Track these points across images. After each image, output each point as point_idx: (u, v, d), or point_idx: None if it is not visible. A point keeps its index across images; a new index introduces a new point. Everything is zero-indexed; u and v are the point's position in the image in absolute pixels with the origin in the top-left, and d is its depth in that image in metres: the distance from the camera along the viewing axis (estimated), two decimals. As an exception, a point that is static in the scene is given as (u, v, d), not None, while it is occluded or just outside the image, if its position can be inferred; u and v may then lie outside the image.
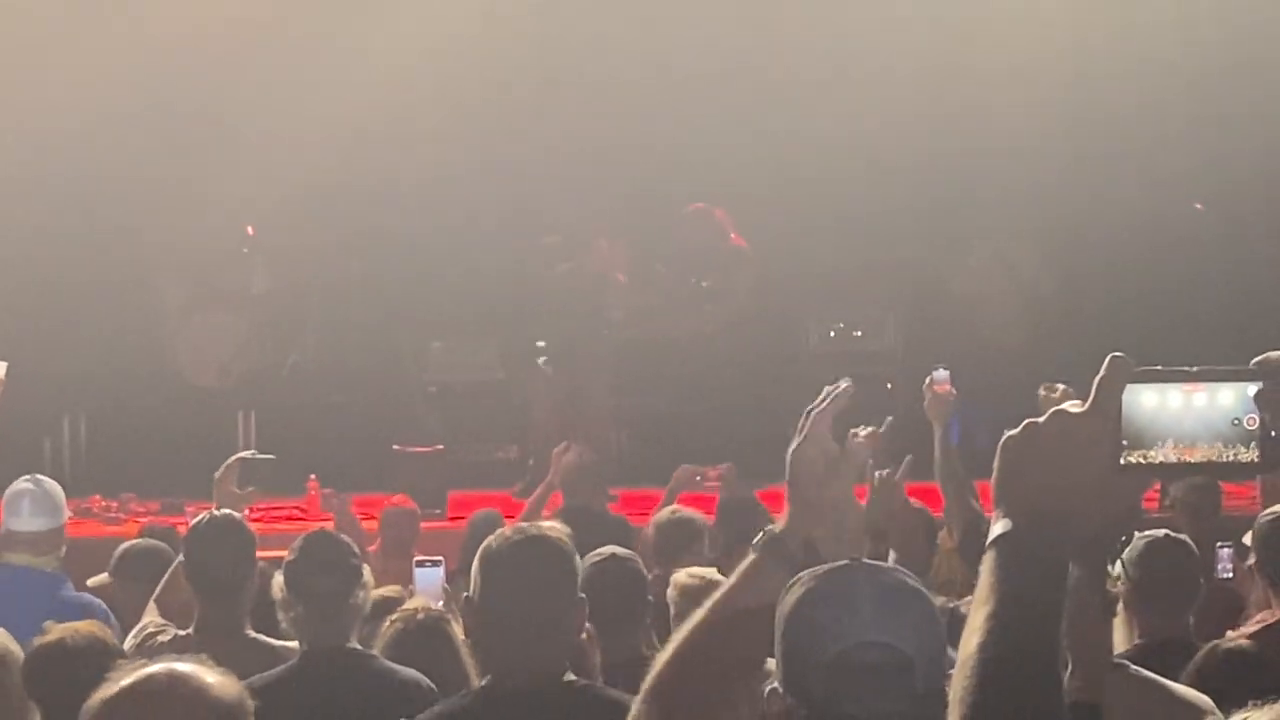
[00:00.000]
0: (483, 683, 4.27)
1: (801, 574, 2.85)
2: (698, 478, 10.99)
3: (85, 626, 5.35)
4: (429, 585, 6.33)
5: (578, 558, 4.46)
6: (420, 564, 6.47)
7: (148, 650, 5.79)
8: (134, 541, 8.09)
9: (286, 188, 14.85)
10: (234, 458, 7.06)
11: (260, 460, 7.14)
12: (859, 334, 15.50)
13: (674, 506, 8.73)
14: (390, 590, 6.56)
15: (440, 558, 6.54)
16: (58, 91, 15.05)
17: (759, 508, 8.21)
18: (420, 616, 5.78)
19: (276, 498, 11.73)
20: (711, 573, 7.08)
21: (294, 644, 5.70)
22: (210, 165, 14.73)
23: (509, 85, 15.85)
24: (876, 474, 7.57)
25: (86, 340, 15.58)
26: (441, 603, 6.12)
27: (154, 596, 6.57)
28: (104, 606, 7.06)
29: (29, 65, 15.22)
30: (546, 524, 4.68)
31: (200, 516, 6.23)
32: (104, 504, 13.44)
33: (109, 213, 15.63)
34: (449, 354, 15.70)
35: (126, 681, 2.78)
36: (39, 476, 7.36)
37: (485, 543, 4.36)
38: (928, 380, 8.67)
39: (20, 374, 15.50)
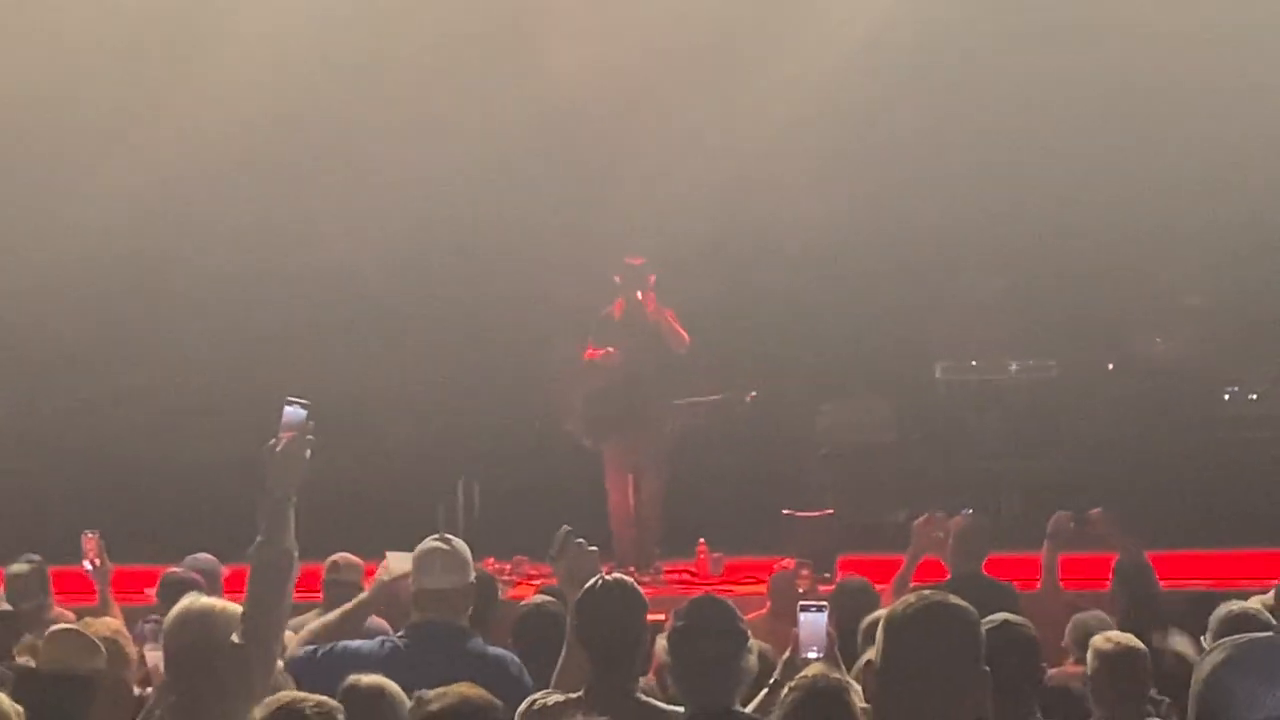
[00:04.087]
0: (877, 753, 4.09)
1: (1224, 639, 2.71)
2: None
3: (463, 689, 5.31)
4: (813, 630, 6.22)
5: (982, 628, 4.26)
6: (805, 608, 6.35)
7: (537, 715, 5.78)
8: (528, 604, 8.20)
9: (673, 241, 14.89)
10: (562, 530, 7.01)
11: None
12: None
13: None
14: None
15: (824, 603, 6.42)
16: (443, 147, 15.44)
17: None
18: (820, 684, 5.66)
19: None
20: (1129, 638, 6.90)
21: (680, 709, 5.61)
22: (601, 223, 14.94)
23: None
24: None
25: (478, 407, 15.85)
26: (819, 650, 6.05)
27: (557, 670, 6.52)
28: (517, 660, 7.06)
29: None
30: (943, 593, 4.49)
31: (594, 581, 6.16)
32: (497, 566, 13.55)
33: (499, 281, 15.89)
34: (840, 416, 15.57)
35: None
36: (448, 536, 7.43)
37: (890, 608, 4.21)
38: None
39: (415, 442, 15.99)
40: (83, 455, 16.38)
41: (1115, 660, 6.84)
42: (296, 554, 6.00)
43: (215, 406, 16.20)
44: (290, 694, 5.29)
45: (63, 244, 16.00)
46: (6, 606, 8.36)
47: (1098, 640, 6.82)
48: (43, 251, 16.11)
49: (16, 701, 5.07)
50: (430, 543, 7.35)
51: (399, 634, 7.28)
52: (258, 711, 5.14)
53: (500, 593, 8.97)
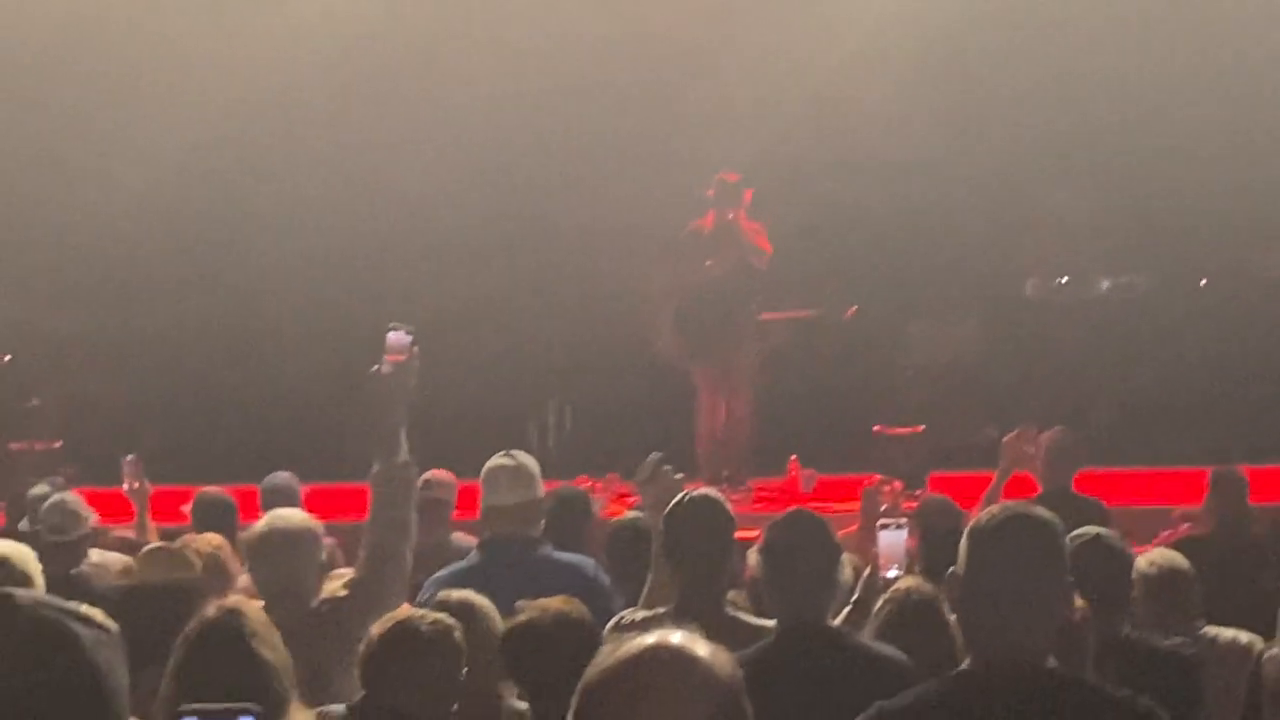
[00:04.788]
0: (963, 665, 4.14)
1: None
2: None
3: (555, 603, 5.38)
4: (892, 549, 6.27)
5: (1066, 539, 4.30)
6: (884, 527, 6.40)
7: (625, 629, 5.82)
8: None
9: (762, 158, 14.88)
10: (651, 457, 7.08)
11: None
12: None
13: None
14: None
15: (904, 521, 6.46)
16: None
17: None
18: (914, 596, 5.72)
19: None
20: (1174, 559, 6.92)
21: (771, 623, 5.65)
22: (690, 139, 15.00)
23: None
24: None
25: (570, 326, 15.92)
26: (899, 568, 6.12)
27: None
28: (592, 564, 7.15)
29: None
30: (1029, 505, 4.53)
31: (681, 496, 6.22)
32: (590, 484, 13.63)
33: (588, 201, 15.93)
34: (930, 334, 15.56)
35: (622, 653, 2.73)
36: (514, 452, 7.45)
37: (974, 519, 4.25)
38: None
39: (508, 361, 16.09)
40: (167, 377, 16.55)
41: (1157, 582, 6.83)
42: (414, 469, 6.17)
43: (303, 329, 16.34)
44: (406, 610, 5.39)
45: (150, 170, 16.16)
46: (58, 537, 8.47)
47: (1140, 563, 6.82)
48: (130, 176, 16.27)
49: (118, 619, 5.20)
50: (497, 460, 7.39)
51: (473, 552, 7.36)
52: (375, 628, 5.24)
53: (594, 510, 9.03)
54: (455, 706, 5.26)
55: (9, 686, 1.95)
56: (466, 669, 5.53)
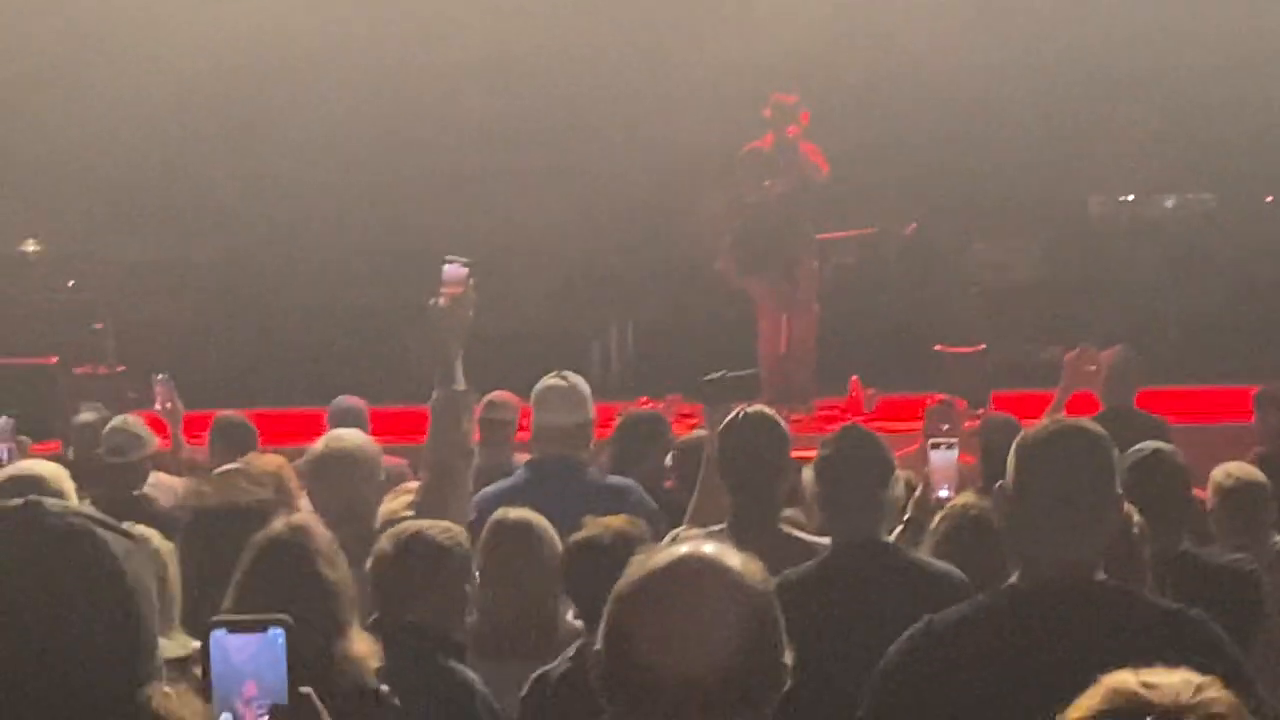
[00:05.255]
0: (1012, 579, 4.14)
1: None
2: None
3: (616, 522, 5.41)
4: (943, 468, 6.29)
5: (1116, 451, 4.29)
6: (935, 446, 6.41)
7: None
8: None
9: (824, 77, 14.82)
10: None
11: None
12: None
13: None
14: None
15: (954, 441, 6.50)
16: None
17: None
18: (971, 512, 5.72)
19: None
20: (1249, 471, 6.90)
21: (825, 540, 5.67)
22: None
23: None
24: None
25: (631, 248, 15.94)
26: (950, 488, 6.16)
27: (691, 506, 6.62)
28: (637, 488, 7.14)
29: None
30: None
31: (735, 413, 6.23)
32: (652, 405, 13.65)
33: (647, 120, 15.92)
34: (991, 253, 15.50)
35: (657, 562, 2.76)
36: (566, 373, 7.49)
37: (1024, 433, 4.25)
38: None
39: (571, 283, 16.12)
40: (228, 302, 16.65)
41: (1233, 495, 6.81)
42: (473, 395, 6.25)
43: (365, 254, 16.40)
44: (418, 523, 5.43)
45: (210, 98, 16.27)
46: (118, 458, 8.55)
47: (1216, 474, 6.79)
48: (191, 103, 16.38)
49: (191, 540, 5.28)
50: (549, 380, 7.42)
51: (519, 470, 7.40)
52: (385, 541, 5.28)
53: (667, 433, 9.03)
54: (470, 618, 5.31)
55: (37, 591, 1.99)
56: (525, 586, 5.59)
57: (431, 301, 6.10)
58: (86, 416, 10.05)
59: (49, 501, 2.09)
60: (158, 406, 10.25)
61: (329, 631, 4.46)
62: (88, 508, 2.17)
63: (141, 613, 2.06)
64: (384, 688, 4.53)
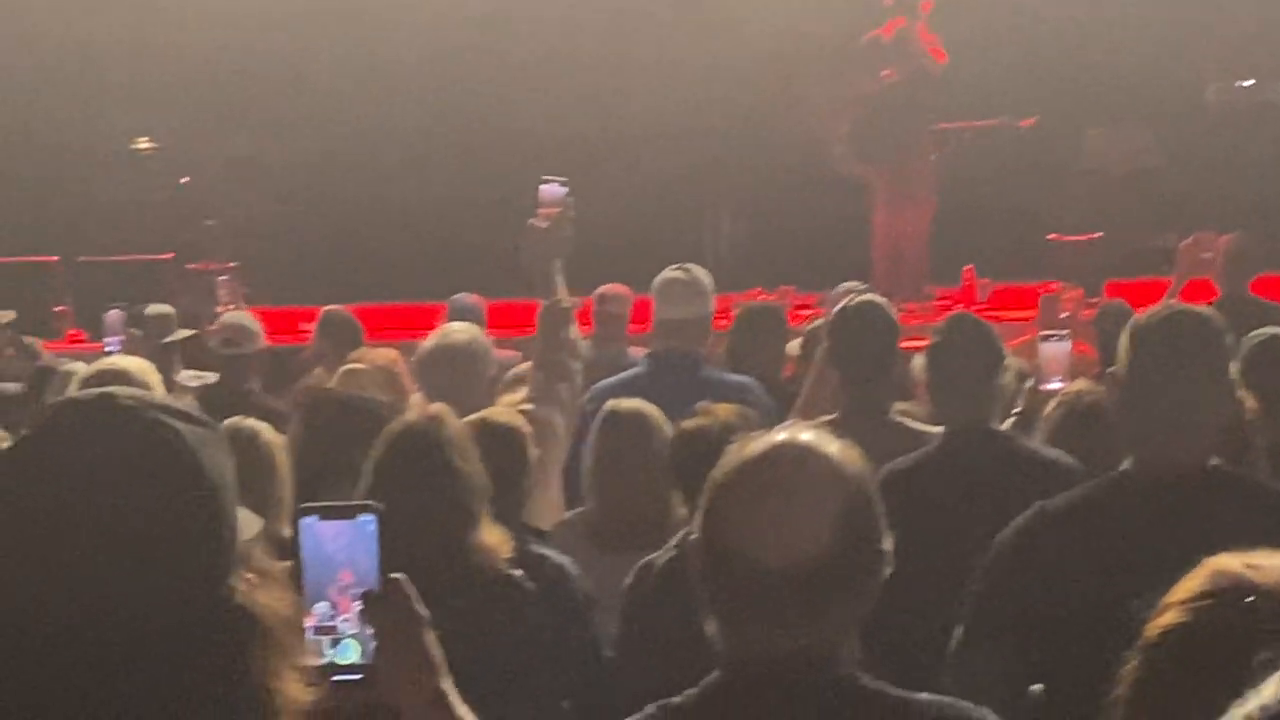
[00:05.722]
0: (1124, 465, 4.12)
1: None
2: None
3: (724, 411, 5.42)
4: (1055, 360, 6.27)
5: (1231, 337, 4.24)
6: (1046, 339, 6.39)
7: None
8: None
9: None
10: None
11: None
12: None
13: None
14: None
15: (1066, 332, 6.47)
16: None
17: None
18: (1086, 398, 5.70)
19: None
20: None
21: (937, 429, 5.66)
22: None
23: None
24: None
25: (744, 138, 15.87)
26: (1061, 379, 6.14)
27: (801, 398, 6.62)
28: (757, 385, 7.10)
29: None
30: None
31: (845, 301, 6.23)
32: (765, 297, 13.64)
33: (758, 13, 15.80)
34: (1106, 140, 15.33)
35: (751, 450, 2.76)
36: (688, 265, 7.46)
37: (1135, 317, 4.21)
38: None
39: (682, 174, 16.07)
40: (341, 197, 16.68)
41: None
42: (569, 306, 6.34)
43: (473, 152, 16.39)
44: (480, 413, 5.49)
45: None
46: (232, 350, 8.65)
47: None
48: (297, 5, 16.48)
49: (310, 427, 5.39)
50: (670, 272, 7.38)
51: (641, 362, 7.40)
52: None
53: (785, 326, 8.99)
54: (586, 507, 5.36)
55: (109, 484, 1.98)
56: (637, 476, 5.62)
57: (530, 222, 6.16)
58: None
59: (120, 392, 2.07)
60: (220, 308, 10.30)
61: (462, 521, 4.50)
62: (161, 398, 2.16)
63: (219, 504, 2.04)
64: (517, 572, 4.56)
